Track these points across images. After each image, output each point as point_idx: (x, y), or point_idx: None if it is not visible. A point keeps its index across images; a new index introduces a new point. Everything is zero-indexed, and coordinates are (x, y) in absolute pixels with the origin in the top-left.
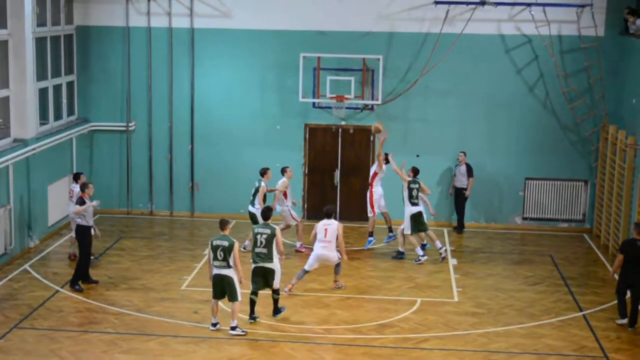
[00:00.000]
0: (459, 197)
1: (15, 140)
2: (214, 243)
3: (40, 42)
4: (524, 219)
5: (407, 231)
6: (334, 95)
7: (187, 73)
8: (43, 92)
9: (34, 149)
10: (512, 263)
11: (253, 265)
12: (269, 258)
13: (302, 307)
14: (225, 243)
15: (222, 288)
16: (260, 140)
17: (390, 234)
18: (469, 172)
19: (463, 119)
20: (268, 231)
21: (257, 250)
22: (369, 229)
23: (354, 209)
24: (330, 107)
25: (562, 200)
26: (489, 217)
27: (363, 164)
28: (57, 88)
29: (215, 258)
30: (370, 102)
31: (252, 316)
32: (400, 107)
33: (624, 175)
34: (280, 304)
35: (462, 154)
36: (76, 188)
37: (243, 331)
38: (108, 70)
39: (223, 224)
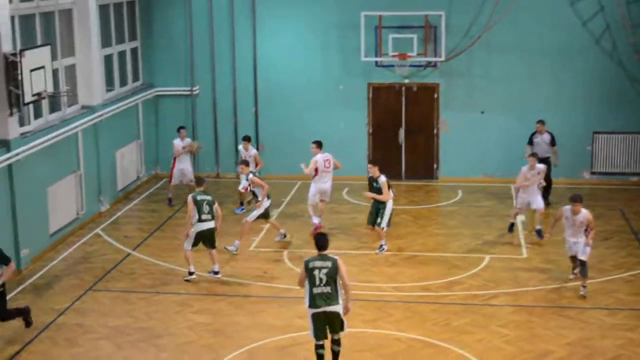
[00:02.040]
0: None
1: (83, 107)
2: (198, 198)
3: (103, 9)
4: (593, 173)
5: None
6: (397, 54)
7: (249, 36)
8: (108, 59)
9: (101, 115)
10: None
11: (311, 311)
12: (334, 298)
13: (371, 266)
14: (209, 197)
15: (208, 239)
16: (323, 101)
17: None
18: (553, 141)
19: (528, 74)
20: (328, 264)
21: (317, 290)
22: None
23: (419, 167)
24: (392, 66)
25: (631, 154)
26: (557, 173)
27: (428, 121)
28: (122, 55)
29: (203, 212)
30: (433, 59)
31: None
32: (464, 64)
33: None
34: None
35: (540, 123)
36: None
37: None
38: (170, 36)
39: (200, 181)
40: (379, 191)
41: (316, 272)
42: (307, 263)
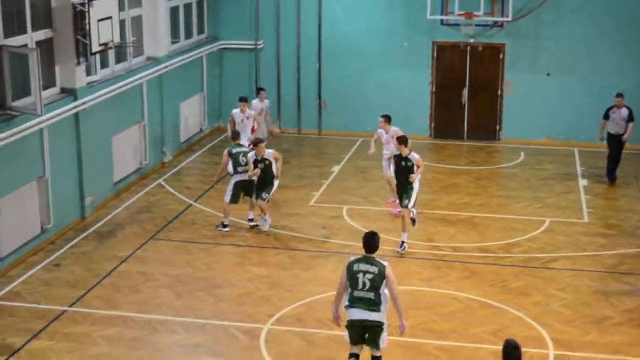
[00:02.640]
0: (617, 145)
1: (148, 59)
2: (234, 151)
3: None
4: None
5: None
6: (463, 12)
7: None
8: (174, 11)
9: (166, 67)
10: None
11: (349, 317)
12: (375, 306)
13: (430, 225)
14: (245, 149)
15: (248, 189)
16: (387, 59)
17: None
18: (631, 116)
19: (596, 37)
20: (375, 270)
21: (358, 294)
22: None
23: (482, 128)
24: (458, 25)
25: None
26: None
27: (492, 82)
28: (188, 7)
29: (240, 164)
30: (500, 19)
31: None
32: (531, 25)
33: None
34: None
35: (620, 97)
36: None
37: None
38: None
39: (235, 135)
40: (409, 170)
41: (360, 275)
42: (351, 266)
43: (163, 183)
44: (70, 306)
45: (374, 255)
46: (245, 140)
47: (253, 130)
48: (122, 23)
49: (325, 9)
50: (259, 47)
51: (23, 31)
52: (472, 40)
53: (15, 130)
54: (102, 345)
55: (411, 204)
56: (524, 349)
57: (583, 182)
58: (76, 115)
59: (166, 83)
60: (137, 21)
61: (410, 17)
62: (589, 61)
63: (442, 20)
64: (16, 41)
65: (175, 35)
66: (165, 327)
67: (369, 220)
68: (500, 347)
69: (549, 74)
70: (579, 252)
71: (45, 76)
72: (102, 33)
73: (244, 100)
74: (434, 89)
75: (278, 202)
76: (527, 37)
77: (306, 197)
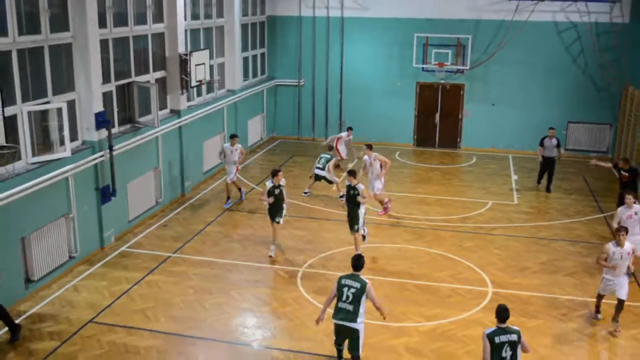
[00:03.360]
0: (550, 165)
1: (228, 91)
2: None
3: (244, 27)
4: (566, 149)
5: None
6: (437, 63)
7: (338, 47)
8: (245, 59)
9: (239, 96)
10: (556, 179)
11: (334, 321)
12: (354, 316)
13: (411, 204)
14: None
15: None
16: (386, 92)
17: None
18: (558, 144)
19: (526, 80)
20: (357, 285)
21: (341, 305)
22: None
23: (448, 140)
24: (434, 71)
25: (593, 137)
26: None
27: (455, 109)
28: (254, 57)
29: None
30: (461, 67)
31: None
32: (482, 72)
33: (638, 121)
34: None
35: (552, 130)
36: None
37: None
38: (287, 45)
39: (275, 172)
40: (354, 198)
41: (345, 289)
42: (340, 280)
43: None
44: (174, 253)
45: (359, 273)
46: (232, 165)
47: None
48: (211, 67)
49: (345, 58)
50: (300, 84)
51: (147, 71)
52: (442, 81)
53: (139, 136)
54: (194, 279)
55: (360, 229)
56: (472, 288)
57: (514, 177)
58: (180, 127)
59: (239, 107)
60: (221, 66)
61: (401, 65)
62: (521, 95)
63: (422, 68)
64: (142, 78)
65: (245, 75)
66: (236, 268)
67: (371, 200)
68: (456, 285)
69: (493, 104)
70: (510, 224)
71: (160, 101)
72: (198, 73)
73: (234, 136)
74: (417, 113)
75: (312, 186)
76: (479, 80)
77: (330, 185)
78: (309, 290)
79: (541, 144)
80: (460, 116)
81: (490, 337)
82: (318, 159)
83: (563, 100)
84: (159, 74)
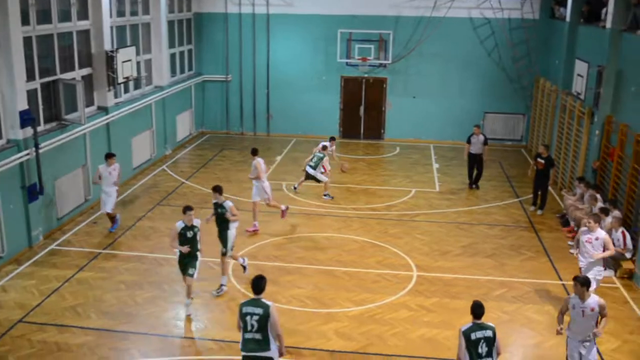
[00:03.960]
0: (476, 161)
1: (155, 87)
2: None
3: (170, 23)
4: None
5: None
6: (360, 57)
7: (265, 43)
8: (173, 56)
9: (167, 92)
10: None
11: (243, 353)
12: (265, 345)
13: (339, 193)
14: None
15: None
16: (312, 87)
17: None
18: (485, 141)
19: (445, 73)
20: (260, 311)
21: (248, 335)
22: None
23: (372, 131)
24: (357, 65)
25: (508, 127)
26: (461, 137)
27: (378, 102)
28: (182, 53)
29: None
30: (383, 61)
31: None
32: (403, 65)
33: (549, 110)
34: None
35: (477, 127)
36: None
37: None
38: (214, 41)
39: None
40: (222, 216)
41: (248, 317)
42: (241, 308)
43: (165, 168)
44: (104, 249)
45: (261, 296)
46: (110, 188)
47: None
48: (138, 63)
49: (271, 53)
50: (228, 79)
51: (72, 69)
52: (366, 75)
53: (66, 134)
54: (125, 274)
55: (229, 251)
56: (398, 272)
57: (436, 166)
58: (108, 124)
59: (167, 102)
60: (148, 62)
61: (326, 60)
62: (440, 88)
63: (347, 62)
64: (68, 75)
65: (173, 71)
66: (167, 262)
67: (299, 191)
68: (383, 271)
69: (414, 97)
70: (432, 210)
71: (87, 98)
72: (124, 70)
73: (111, 155)
74: (342, 106)
75: (240, 179)
76: (400, 73)
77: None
78: (239, 281)
79: (468, 141)
80: (383, 108)
81: (466, 333)
82: (312, 156)
83: (480, 92)
84: (86, 71)
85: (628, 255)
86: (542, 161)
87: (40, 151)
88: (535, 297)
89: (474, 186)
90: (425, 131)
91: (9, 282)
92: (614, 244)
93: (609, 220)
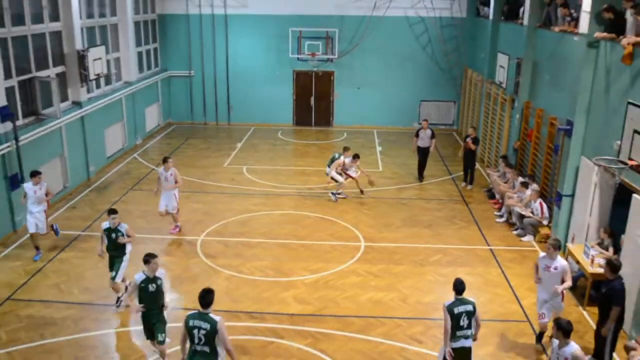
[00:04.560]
0: (424, 154)
1: (125, 82)
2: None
3: (137, 24)
4: (420, 123)
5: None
6: (310, 53)
7: (223, 41)
8: (140, 54)
9: (136, 87)
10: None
11: None
12: (213, 357)
13: (294, 176)
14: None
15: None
16: (267, 80)
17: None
18: (433, 135)
19: (385, 66)
20: (207, 326)
21: (196, 347)
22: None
23: (322, 119)
24: (307, 60)
25: (440, 112)
26: (401, 123)
27: (327, 93)
28: (148, 51)
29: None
30: (330, 56)
31: None
32: (348, 59)
33: (476, 98)
34: None
35: (425, 121)
36: None
37: None
38: (177, 40)
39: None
40: (114, 242)
41: (195, 331)
42: (187, 321)
43: (136, 156)
44: (83, 231)
45: (208, 311)
46: (36, 207)
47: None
48: (108, 61)
49: (230, 50)
50: (191, 74)
51: (47, 67)
52: (315, 69)
53: (43, 127)
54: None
55: (119, 277)
56: (347, 243)
57: (379, 148)
58: (82, 117)
59: (136, 96)
60: (117, 60)
61: (279, 56)
62: (382, 79)
63: (297, 57)
64: (43, 73)
65: (140, 68)
66: (141, 240)
67: (259, 173)
68: (334, 243)
69: (358, 88)
70: (377, 187)
71: (61, 94)
72: (96, 67)
73: (36, 173)
74: (295, 97)
75: (205, 165)
76: (346, 67)
77: (221, 162)
78: (207, 256)
79: (416, 135)
80: (331, 98)
81: (450, 308)
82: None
83: (416, 82)
84: (59, 69)
85: (545, 222)
86: (471, 141)
87: (20, 143)
88: (466, 261)
89: (419, 179)
90: (369, 118)
91: None
92: (532, 213)
93: (528, 192)
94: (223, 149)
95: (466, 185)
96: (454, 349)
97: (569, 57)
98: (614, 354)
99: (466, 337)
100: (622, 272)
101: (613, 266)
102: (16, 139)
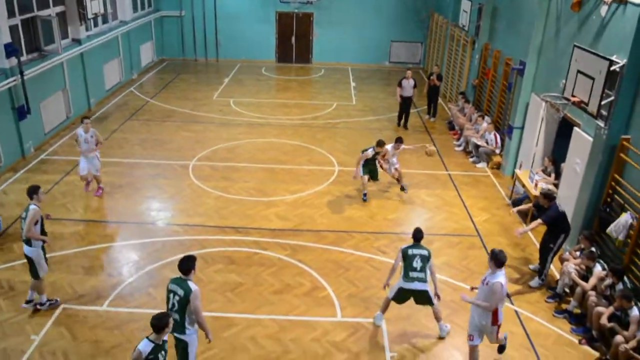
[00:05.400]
0: (406, 104)
1: (121, 21)
2: None
3: None
4: (390, 62)
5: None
6: None
7: None
8: None
9: (131, 26)
10: (383, 85)
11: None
12: (180, 327)
13: (276, 108)
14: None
15: None
16: (253, 19)
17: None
18: (415, 84)
19: (360, 9)
20: (181, 292)
21: (170, 313)
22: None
23: (302, 56)
24: (289, 2)
25: (409, 52)
26: (373, 61)
27: (307, 32)
28: None
29: None
30: None
31: None
32: (327, 2)
33: (441, 39)
34: None
35: (409, 71)
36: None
37: None
38: None
39: None
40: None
41: (171, 295)
42: (169, 284)
43: (133, 90)
44: None
45: (188, 277)
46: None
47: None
48: (105, 1)
49: None
50: (182, 14)
51: (48, 6)
52: (296, 10)
53: (46, 62)
54: (105, 176)
55: (40, 276)
56: (323, 167)
57: (353, 84)
58: (82, 54)
59: (131, 34)
60: (113, 0)
61: None
62: (357, 20)
63: (280, 0)
64: (44, 12)
65: (135, 8)
66: (139, 165)
67: (245, 105)
68: (312, 167)
69: (337, 28)
70: (351, 119)
71: (62, 32)
72: (93, 7)
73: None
74: (277, 36)
75: (195, 97)
76: (324, 9)
77: (210, 95)
78: (198, 178)
79: (399, 84)
80: (311, 37)
81: (404, 250)
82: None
83: (387, 24)
84: (59, 8)
85: (497, 151)
86: (435, 78)
87: (25, 78)
88: (427, 184)
89: (404, 128)
90: (344, 56)
91: (8, 187)
92: (487, 143)
93: (484, 125)
94: (212, 83)
95: (430, 117)
96: (406, 290)
97: (525, 4)
98: (551, 265)
99: (420, 280)
100: (561, 195)
101: (546, 195)
102: (21, 73)
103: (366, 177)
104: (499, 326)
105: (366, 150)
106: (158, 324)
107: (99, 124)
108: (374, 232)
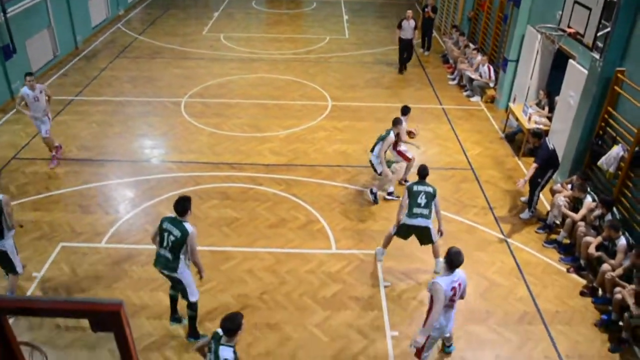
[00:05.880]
0: (407, 46)
1: None
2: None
3: None
4: None
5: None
6: None
7: None
8: None
9: None
10: (376, 17)
11: (157, 268)
12: (174, 265)
13: (270, 43)
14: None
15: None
16: None
17: None
18: (416, 26)
19: None
20: (177, 233)
21: (161, 251)
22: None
23: None
24: None
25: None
26: None
27: None
28: None
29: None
30: None
31: (175, 317)
32: None
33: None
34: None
35: (409, 11)
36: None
37: None
38: None
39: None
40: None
41: (165, 234)
42: (162, 222)
43: (120, 26)
44: (76, 96)
45: (184, 218)
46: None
47: None
48: None
49: None
50: None
51: None
52: None
53: None
54: (96, 116)
55: (20, 269)
56: (316, 103)
57: (345, 17)
58: None
59: None
60: None
61: None
62: None
63: None
64: None
65: None
66: (130, 103)
67: (235, 40)
68: (305, 102)
69: None
70: (344, 53)
71: None
72: None
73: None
74: None
75: (185, 32)
76: None
77: (200, 29)
78: (190, 115)
79: (399, 26)
80: None
81: (410, 187)
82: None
83: None
84: None
85: (491, 84)
86: (429, 10)
87: (8, 15)
88: (421, 118)
89: (404, 70)
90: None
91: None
92: (481, 76)
93: (478, 58)
94: (201, 17)
95: (424, 51)
96: (409, 225)
97: None
98: (541, 195)
99: (423, 217)
100: (554, 128)
101: (535, 134)
102: (4, 11)
103: (391, 170)
104: (424, 333)
105: (385, 137)
106: (231, 326)
107: (87, 62)
108: (367, 166)
